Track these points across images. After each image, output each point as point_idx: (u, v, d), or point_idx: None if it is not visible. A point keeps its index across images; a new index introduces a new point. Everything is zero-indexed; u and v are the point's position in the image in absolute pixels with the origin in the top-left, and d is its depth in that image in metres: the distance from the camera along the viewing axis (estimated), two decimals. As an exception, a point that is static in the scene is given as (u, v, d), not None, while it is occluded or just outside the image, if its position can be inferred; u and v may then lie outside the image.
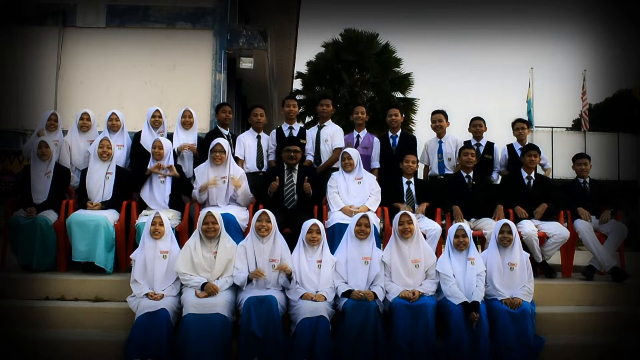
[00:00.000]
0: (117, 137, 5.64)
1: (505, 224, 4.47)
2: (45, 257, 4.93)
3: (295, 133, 5.95)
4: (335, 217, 5.07)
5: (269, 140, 6.00)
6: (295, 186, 5.28)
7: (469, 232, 4.45)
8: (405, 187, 5.49)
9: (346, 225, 4.67)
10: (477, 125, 6.18)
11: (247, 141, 5.93)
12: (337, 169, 5.53)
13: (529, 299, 4.32)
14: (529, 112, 17.68)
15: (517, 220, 5.27)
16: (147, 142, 5.52)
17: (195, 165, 5.42)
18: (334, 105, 6.38)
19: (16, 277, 4.79)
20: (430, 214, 5.37)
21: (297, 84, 18.36)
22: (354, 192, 5.28)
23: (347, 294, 4.19)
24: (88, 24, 9.91)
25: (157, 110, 5.79)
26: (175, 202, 5.22)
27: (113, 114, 5.74)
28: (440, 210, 5.36)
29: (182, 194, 5.34)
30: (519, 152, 5.98)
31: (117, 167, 5.28)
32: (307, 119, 17.17)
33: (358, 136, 6.08)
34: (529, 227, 5.18)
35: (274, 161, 5.88)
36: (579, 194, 5.70)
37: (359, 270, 4.36)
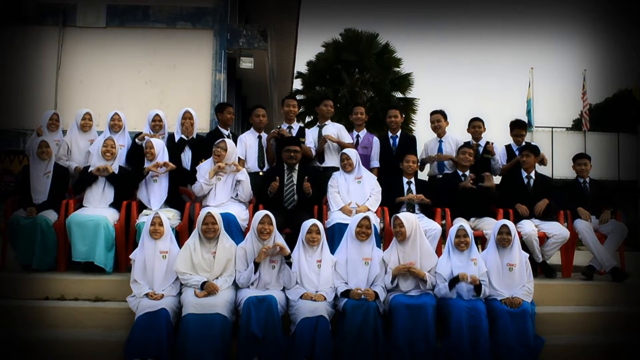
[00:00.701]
0: (119, 137, 5.65)
1: (504, 225, 4.47)
2: (45, 257, 4.92)
3: (294, 132, 5.95)
4: (335, 216, 5.08)
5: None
6: (295, 186, 5.29)
7: (470, 232, 4.45)
8: (405, 187, 5.50)
9: (346, 225, 4.67)
10: (476, 126, 6.17)
11: (248, 141, 5.92)
12: (337, 169, 5.55)
13: (529, 298, 4.31)
14: (529, 112, 17.69)
15: (517, 219, 5.27)
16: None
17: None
18: (334, 106, 6.40)
19: (16, 277, 4.79)
20: (430, 214, 5.37)
21: (297, 84, 18.40)
22: (354, 191, 5.30)
23: (346, 293, 4.19)
24: (88, 23, 9.92)
25: (157, 115, 5.81)
26: (175, 201, 5.23)
27: (116, 114, 5.77)
28: (440, 210, 5.36)
29: (181, 185, 5.31)
30: (517, 153, 5.99)
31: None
32: (307, 119, 17.17)
33: (357, 136, 6.09)
34: (529, 227, 5.19)
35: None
36: (579, 194, 5.71)
37: (359, 270, 4.36)
